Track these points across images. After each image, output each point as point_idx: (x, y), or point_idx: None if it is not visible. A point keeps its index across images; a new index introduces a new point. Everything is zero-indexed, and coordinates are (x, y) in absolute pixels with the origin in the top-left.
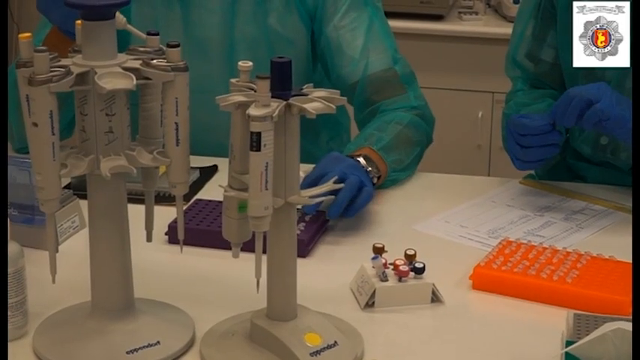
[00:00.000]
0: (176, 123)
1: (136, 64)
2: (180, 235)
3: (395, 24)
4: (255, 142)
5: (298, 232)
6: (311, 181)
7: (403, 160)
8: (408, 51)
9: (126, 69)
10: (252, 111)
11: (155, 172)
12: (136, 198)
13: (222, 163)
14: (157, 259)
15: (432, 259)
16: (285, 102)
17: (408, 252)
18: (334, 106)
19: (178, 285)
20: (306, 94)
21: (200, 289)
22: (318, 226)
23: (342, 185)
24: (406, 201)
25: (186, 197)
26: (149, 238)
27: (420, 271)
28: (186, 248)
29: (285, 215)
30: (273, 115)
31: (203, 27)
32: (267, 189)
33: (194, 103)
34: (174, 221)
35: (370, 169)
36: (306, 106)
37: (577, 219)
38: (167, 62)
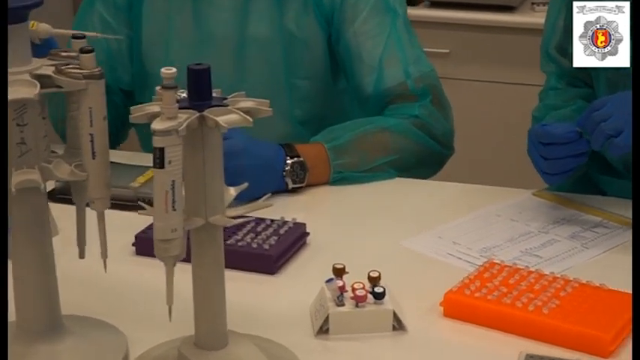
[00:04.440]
0: (91, 134)
1: (50, 70)
2: (104, 255)
3: (464, 15)
4: (159, 159)
5: (267, 246)
6: None
7: (358, 164)
8: (477, 43)
9: (37, 76)
10: (155, 124)
11: (83, 185)
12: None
13: None
14: (118, 272)
15: (410, 279)
16: (198, 114)
17: (372, 274)
18: (251, 120)
19: (131, 300)
20: (226, 105)
21: (152, 306)
22: (293, 241)
23: (270, 204)
24: (402, 212)
25: None
26: (81, 255)
27: (379, 296)
28: (151, 260)
29: (207, 236)
30: (179, 128)
31: (213, 23)
32: (174, 209)
33: None
34: (142, 231)
35: (289, 166)
36: (220, 118)
37: (584, 237)
38: (80, 69)
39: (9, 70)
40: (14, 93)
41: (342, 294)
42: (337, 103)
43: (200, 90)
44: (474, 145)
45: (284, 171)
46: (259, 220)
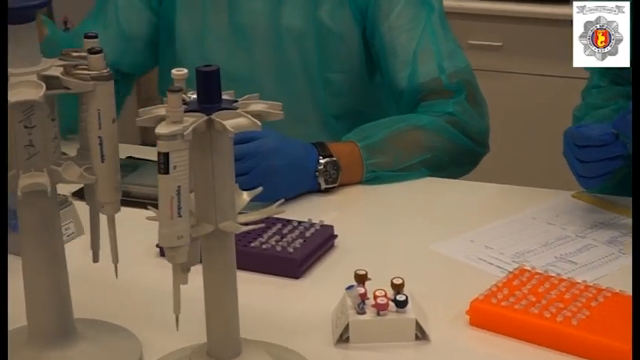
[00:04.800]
0: (100, 137)
1: (58, 71)
2: (114, 260)
3: (517, 7)
4: (163, 164)
5: (292, 250)
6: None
7: (391, 163)
8: (530, 36)
9: (45, 77)
10: (159, 129)
11: (94, 187)
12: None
13: None
14: (139, 273)
15: (437, 285)
16: (206, 117)
17: (395, 281)
18: (260, 124)
19: (149, 303)
20: (236, 108)
21: (170, 310)
22: (319, 244)
23: (282, 210)
24: (434, 214)
25: None
26: (95, 259)
27: (401, 305)
28: None
29: (217, 243)
30: (185, 132)
31: (248, 14)
32: (180, 216)
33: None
34: None
35: (322, 166)
36: (227, 122)
37: (622, 243)
38: (88, 70)
39: (16, 70)
40: (19, 94)
41: (363, 301)
42: (373, 98)
43: (209, 92)
44: (519, 142)
45: (317, 171)
46: (286, 222)
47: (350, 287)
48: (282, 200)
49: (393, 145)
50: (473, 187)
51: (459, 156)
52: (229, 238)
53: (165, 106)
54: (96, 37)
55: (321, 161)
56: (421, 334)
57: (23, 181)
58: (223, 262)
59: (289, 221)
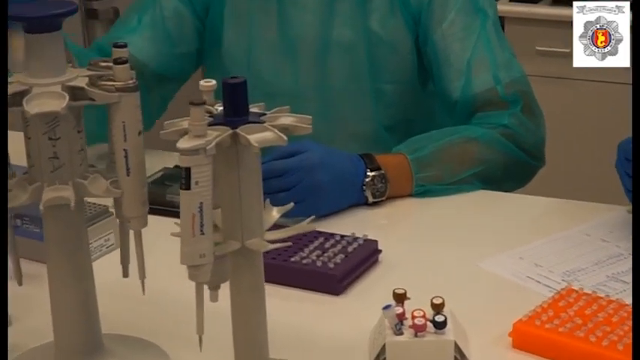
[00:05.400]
0: (125, 150)
1: (84, 82)
2: (141, 276)
3: None
4: (185, 179)
5: (332, 265)
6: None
7: (442, 177)
8: None
9: (70, 88)
10: (181, 143)
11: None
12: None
13: None
14: (171, 287)
15: (482, 305)
16: (231, 131)
17: (435, 300)
18: (286, 138)
19: (179, 319)
20: (263, 122)
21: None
22: (362, 259)
23: (314, 227)
24: (484, 229)
25: None
26: (125, 274)
27: (440, 326)
28: None
29: (244, 261)
30: (208, 147)
31: (297, 25)
32: (202, 233)
33: (269, 106)
34: None
35: (369, 178)
36: (252, 136)
37: None
38: (114, 81)
39: (40, 81)
40: (41, 106)
41: (401, 322)
42: (425, 108)
43: (235, 105)
44: (580, 152)
45: (364, 184)
46: (329, 236)
47: (387, 307)
48: (313, 217)
49: (444, 158)
50: (526, 201)
51: (514, 169)
52: (257, 257)
53: (189, 119)
54: (125, 46)
55: (369, 174)
56: (460, 357)
57: (47, 194)
58: (250, 281)
59: (332, 235)
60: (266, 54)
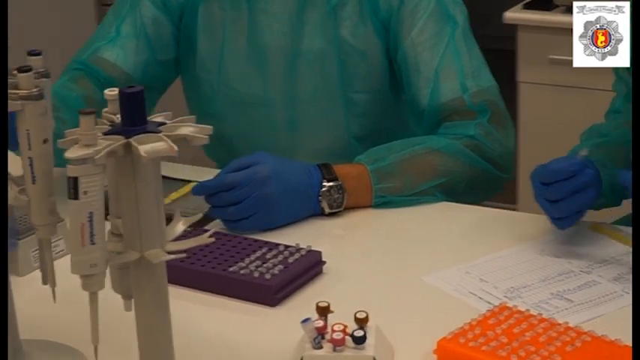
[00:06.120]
0: (30, 158)
1: None
2: (51, 284)
3: None
4: (73, 189)
5: (269, 276)
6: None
7: (402, 188)
8: None
9: None
10: (68, 152)
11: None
12: None
13: None
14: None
15: (415, 320)
16: (124, 140)
17: (358, 315)
18: (177, 148)
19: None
20: (159, 132)
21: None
22: (303, 270)
23: (212, 240)
24: (438, 242)
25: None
26: (44, 281)
27: (359, 341)
28: (174, 289)
29: (144, 272)
30: (96, 157)
31: (267, 34)
32: (93, 243)
33: (239, 115)
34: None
35: (325, 189)
36: (142, 147)
37: (629, 280)
38: (16, 89)
39: None
40: None
41: (320, 335)
42: (398, 118)
43: (132, 114)
44: None
45: (319, 195)
46: (273, 246)
47: (306, 320)
48: (213, 230)
49: (405, 169)
50: (487, 214)
51: (479, 181)
52: (157, 267)
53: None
54: (40, 54)
55: (325, 184)
56: None
57: None
58: (152, 292)
59: (277, 245)
60: (236, 63)
